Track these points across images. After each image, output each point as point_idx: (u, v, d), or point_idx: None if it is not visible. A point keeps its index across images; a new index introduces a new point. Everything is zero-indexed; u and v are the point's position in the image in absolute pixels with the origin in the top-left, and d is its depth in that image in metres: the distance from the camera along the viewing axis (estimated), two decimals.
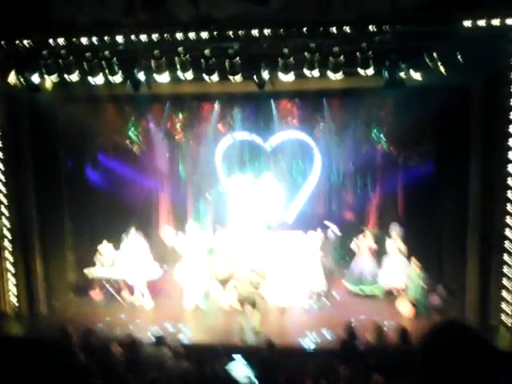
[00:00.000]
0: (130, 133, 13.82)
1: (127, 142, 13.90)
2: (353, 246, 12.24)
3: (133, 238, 12.10)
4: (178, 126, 13.88)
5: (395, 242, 11.75)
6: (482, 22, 8.59)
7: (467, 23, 8.46)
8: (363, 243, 12.17)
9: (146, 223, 14.14)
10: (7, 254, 11.12)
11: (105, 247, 12.31)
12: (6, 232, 11.07)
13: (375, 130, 13.08)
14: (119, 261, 11.97)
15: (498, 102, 9.41)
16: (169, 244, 12.23)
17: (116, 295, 12.06)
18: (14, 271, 11.17)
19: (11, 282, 11.19)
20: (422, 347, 1.89)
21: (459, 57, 8.39)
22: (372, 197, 14.28)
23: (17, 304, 11.25)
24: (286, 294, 11.10)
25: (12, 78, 9.46)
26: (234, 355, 8.15)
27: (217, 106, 13.37)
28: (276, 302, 11.19)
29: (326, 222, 12.01)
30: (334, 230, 11.84)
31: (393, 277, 11.53)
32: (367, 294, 11.85)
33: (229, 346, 9.37)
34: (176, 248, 11.76)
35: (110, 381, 6.96)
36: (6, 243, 11.10)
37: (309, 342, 9.81)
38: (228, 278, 11.13)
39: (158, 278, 12.20)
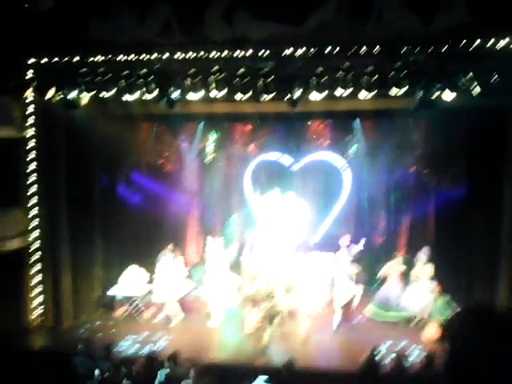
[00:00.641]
0: (163, 151, 14.00)
1: (160, 160, 14.06)
2: (383, 271, 12.06)
3: (169, 256, 12.22)
4: (209, 145, 14.01)
5: (424, 268, 11.55)
6: None
7: (503, 43, 8.42)
8: (394, 269, 11.98)
9: (175, 242, 14.20)
10: (37, 268, 11.29)
11: (131, 271, 12.41)
12: (36, 244, 11.26)
13: (407, 153, 12.96)
14: (156, 279, 12.04)
15: None
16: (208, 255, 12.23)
17: (139, 313, 12.10)
18: (42, 284, 11.35)
19: (40, 294, 11.36)
20: (446, 333, 1.84)
21: (495, 77, 8.32)
22: (403, 221, 14.12)
23: (43, 317, 11.41)
24: (312, 313, 10.95)
25: (50, 94, 9.72)
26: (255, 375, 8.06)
27: (249, 126, 13.51)
28: (302, 322, 11.08)
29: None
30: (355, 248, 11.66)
31: (419, 303, 11.26)
32: (391, 320, 11.59)
33: (250, 366, 9.31)
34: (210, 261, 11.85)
35: None
36: (37, 255, 11.28)
37: (331, 365, 9.66)
38: (256, 297, 11.05)
39: (186, 295, 12.23)
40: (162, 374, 7.58)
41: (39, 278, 11.35)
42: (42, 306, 11.43)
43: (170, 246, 12.52)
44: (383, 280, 12.13)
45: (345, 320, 11.23)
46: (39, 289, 11.37)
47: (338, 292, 11.19)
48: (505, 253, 10.01)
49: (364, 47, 8.61)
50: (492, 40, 8.34)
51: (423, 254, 11.76)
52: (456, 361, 1.79)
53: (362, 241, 11.68)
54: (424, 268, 11.57)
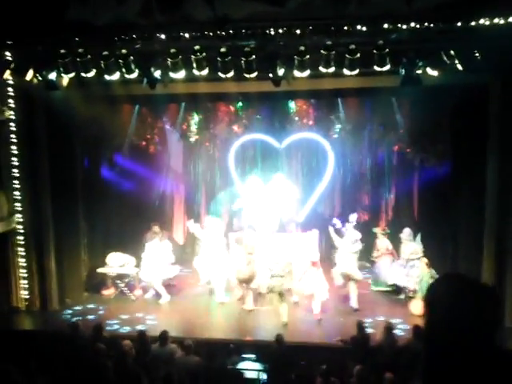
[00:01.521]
0: (146, 133, 13.88)
1: (143, 142, 13.95)
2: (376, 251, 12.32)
3: (157, 236, 12.24)
4: (193, 126, 13.92)
5: (409, 244, 11.68)
6: (499, 20, 8.51)
7: (485, 21, 8.39)
8: (378, 245, 12.17)
9: (161, 223, 14.19)
10: (21, 251, 11.24)
11: (113, 257, 12.41)
12: (20, 229, 11.19)
13: (391, 131, 12.98)
14: (143, 260, 12.07)
15: None
16: (195, 233, 12.24)
17: (128, 293, 12.15)
18: (27, 268, 11.31)
19: (25, 278, 11.32)
20: (424, 303, 1.84)
21: (477, 55, 8.31)
22: (387, 198, 14.25)
23: (29, 300, 11.39)
24: (303, 291, 11.01)
25: (30, 76, 9.57)
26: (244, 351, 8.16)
27: (232, 106, 13.43)
28: (296, 298, 11.16)
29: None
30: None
31: (406, 278, 11.47)
32: (383, 290, 12.03)
33: (239, 342, 9.41)
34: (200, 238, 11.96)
35: (122, 376, 6.96)
36: (21, 240, 11.22)
37: (320, 340, 9.76)
38: (250, 278, 11.10)
39: (173, 276, 12.29)
40: None
41: (23, 262, 11.29)
42: (27, 291, 11.39)
43: (156, 228, 12.50)
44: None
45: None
46: (24, 273, 11.32)
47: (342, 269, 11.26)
48: (489, 227, 10.12)
49: (346, 25, 8.52)
50: (474, 18, 8.28)
51: (406, 231, 11.85)
52: (432, 326, 1.80)
53: (353, 216, 11.75)
54: (409, 245, 11.69)
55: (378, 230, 12.61)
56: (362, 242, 11.50)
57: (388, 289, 12.07)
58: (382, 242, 12.27)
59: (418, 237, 11.71)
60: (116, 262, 12.30)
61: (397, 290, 11.81)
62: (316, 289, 10.71)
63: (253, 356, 8.75)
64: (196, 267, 12.09)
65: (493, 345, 1.72)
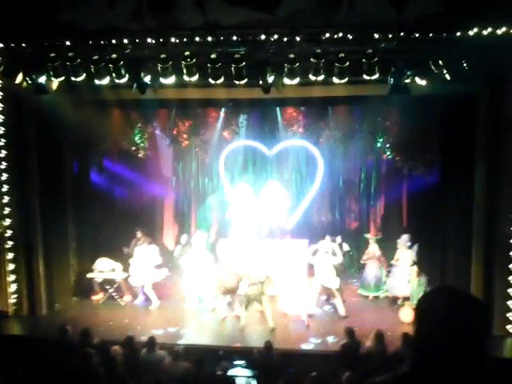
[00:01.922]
0: (135, 138, 13.86)
1: (133, 147, 13.94)
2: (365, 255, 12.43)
3: (142, 241, 12.20)
4: (183, 132, 13.92)
5: (405, 253, 11.78)
6: (487, 31, 8.61)
7: (473, 32, 8.48)
8: (373, 249, 12.33)
9: (150, 228, 14.18)
10: (10, 256, 11.17)
11: (101, 262, 12.36)
12: (8, 233, 11.13)
13: (380, 139, 13.06)
14: (131, 265, 12.05)
15: (504, 110, 9.43)
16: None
17: (117, 298, 12.11)
18: (15, 272, 11.23)
19: (13, 282, 11.24)
20: (415, 314, 1.87)
21: (464, 64, 8.39)
22: (377, 205, 14.34)
23: (17, 305, 11.31)
24: (291, 300, 11.03)
25: (19, 79, 9.53)
26: (233, 357, 8.14)
27: (222, 112, 13.45)
28: (282, 308, 11.16)
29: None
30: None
31: (398, 285, 11.56)
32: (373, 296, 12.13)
33: (228, 348, 9.40)
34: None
35: (111, 381, 6.94)
36: (9, 245, 11.15)
37: (311, 347, 9.77)
38: (235, 288, 11.08)
39: (162, 280, 12.26)
40: None
41: (12, 266, 11.21)
42: (16, 295, 11.32)
43: (139, 233, 12.46)
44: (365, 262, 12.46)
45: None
46: (12, 278, 11.24)
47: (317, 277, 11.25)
48: (477, 234, 10.19)
49: (336, 34, 8.58)
50: (463, 28, 8.38)
51: (404, 240, 11.94)
52: (421, 336, 1.83)
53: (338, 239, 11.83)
54: (405, 253, 11.80)
55: (369, 236, 12.70)
56: (351, 248, 11.55)
57: (374, 294, 12.18)
58: (372, 248, 12.35)
59: (415, 246, 11.83)
60: (104, 267, 12.28)
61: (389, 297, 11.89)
62: (305, 296, 10.74)
63: (242, 362, 8.74)
64: (183, 286, 12.02)
65: (481, 356, 1.75)
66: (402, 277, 11.62)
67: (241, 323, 10.46)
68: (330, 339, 9.90)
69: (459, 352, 1.73)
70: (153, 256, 12.04)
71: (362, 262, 12.62)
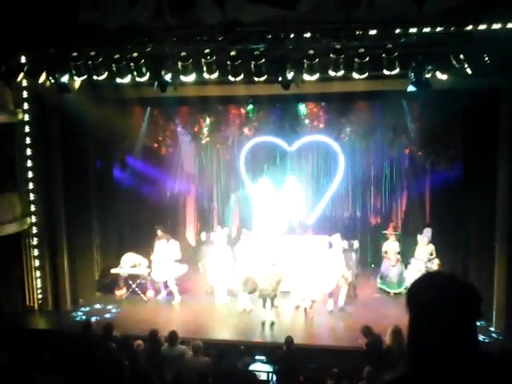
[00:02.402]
0: (158, 135, 13.99)
1: (155, 144, 14.06)
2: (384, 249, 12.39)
3: (162, 238, 12.32)
4: (205, 128, 14.00)
5: (426, 247, 11.74)
6: (509, 24, 8.49)
7: (495, 25, 8.37)
8: (390, 247, 12.23)
9: (173, 224, 14.33)
10: (35, 252, 11.39)
11: (128, 257, 12.51)
12: (34, 230, 11.35)
13: (402, 134, 12.97)
14: (153, 261, 12.18)
15: None
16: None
17: (140, 293, 12.25)
18: (41, 268, 11.47)
19: (38, 278, 11.49)
20: (406, 300, 1.89)
21: (486, 58, 8.29)
22: (399, 201, 14.25)
23: (43, 299, 11.56)
24: (310, 295, 11.03)
25: (43, 79, 9.69)
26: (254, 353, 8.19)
27: (242, 109, 13.50)
28: (300, 302, 11.18)
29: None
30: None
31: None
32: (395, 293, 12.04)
33: (249, 343, 9.47)
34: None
35: (133, 375, 7.04)
36: (35, 241, 11.38)
37: (331, 342, 9.78)
38: (253, 279, 11.15)
39: (183, 275, 12.37)
40: None
41: (37, 262, 11.45)
42: (41, 291, 11.56)
43: (159, 231, 12.60)
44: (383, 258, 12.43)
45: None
46: (38, 273, 11.48)
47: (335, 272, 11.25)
48: (500, 230, 10.10)
49: (355, 29, 8.54)
50: (484, 22, 8.27)
51: (425, 235, 11.90)
52: (414, 322, 1.83)
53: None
54: (426, 247, 11.79)
55: (388, 232, 12.64)
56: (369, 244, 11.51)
57: (394, 290, 12.11)
58: (391, 244, 12.27)
59: (425, 239, 11.75)
60: (129, 263, 12.41)
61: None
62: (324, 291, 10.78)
63: (263, 358, 8.80)
64: (208, 281, 12.15)
65: (474, 338, 1.77)
66: (420, 272, 11.56)
67: (262, 318, 10.52)
68: (352, 335, 9.87)
69: (448, 334, 1.73)
70: (173, 251, 12.15)
71: (383, 256, 12.52)
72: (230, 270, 11.69)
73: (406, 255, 12.43)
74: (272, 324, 10.43)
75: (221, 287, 11.82)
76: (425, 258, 11.74)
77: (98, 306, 11.89)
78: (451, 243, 11.99)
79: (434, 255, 11.75)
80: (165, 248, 12.12)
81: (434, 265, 11.40)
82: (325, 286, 11.14)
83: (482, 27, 8.30)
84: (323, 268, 11.06)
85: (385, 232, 12.78)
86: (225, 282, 11.79)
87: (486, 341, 9.39)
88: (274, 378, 8.08)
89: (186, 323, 10.60)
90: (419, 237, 12.06)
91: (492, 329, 10.03)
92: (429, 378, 1.76)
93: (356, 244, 12.21)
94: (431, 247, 11.83)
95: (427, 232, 12.02)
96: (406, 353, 1.84)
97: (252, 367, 8.19)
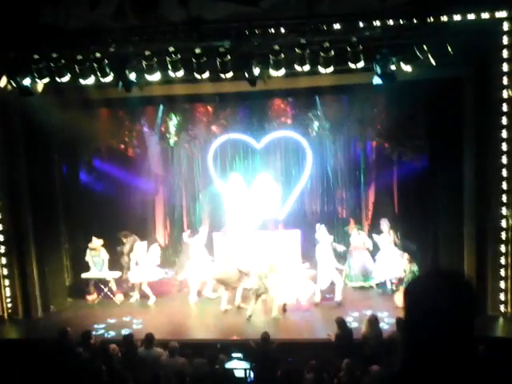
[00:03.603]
0: (124, 136, 13.81)
1: (121, 145, 13.88)
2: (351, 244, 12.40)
3: (129, 242, 12.20)
4: (171, 128, 13.88)
5: (388, 236, 11.89)
6: (471, 15, 8.66)
7: (457, 16, 8.52)
8: (357, 240, 12.29)
9: (142, 226, 14.19)
10: (2, 260, 11.13)
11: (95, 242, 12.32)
12: (1, 238, 11.08)
13: (368, 127, 13.09)
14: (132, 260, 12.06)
15: (490, 93, 9.48)
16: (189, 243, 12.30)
17: (112, 296, 12.11)
18: (9, 276, 11.19)
19: (6, 286, 11.21)
20: (403, 299, 1.88)
21: (449, 49, 8.41)
22: (367, 193, 14.40)
23: (12, 308, 11.29)
24: (288, 291, 11.06)
25: (3, 82, 9.47)
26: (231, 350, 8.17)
27: (209, 107, 13.43)
28: (280, 298, 11.19)
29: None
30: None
31: (388, 270, 11.63)
32: (364, 286, 12.09)
33: (226, 341, 9.43)
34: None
35: (110, 380, 6.96)
36: (1, 248, 11.11)
37: (308, 336, 9.82)
38: (234, 281, 11.12)
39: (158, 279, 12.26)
40: None
41: (5, 271, 11.17)
42: (10, 299, 11.29)
43: (124, 239, 12.55)
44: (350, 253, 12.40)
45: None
46: (6, 282, 11.20)
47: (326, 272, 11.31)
48: (468, 217, 10.28)
49: (320, 24, 8.59)
50: (446, 13, 8.41)
51: (384, 223, 12.06)
52: (410, 319, 1.83)
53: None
54: (388, 236, 11.93)
55: (349, 227, 12.68)
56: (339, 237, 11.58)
57: (364, 284, 12.15)
58: (357, 238, 12.35)
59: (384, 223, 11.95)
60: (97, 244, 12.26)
61: (380, 283, 11.95)
62: (302, 286, 10.80)
63: (239, 355, 8.78)
64: (185, 281, 12.08)
65: (471, 335, 1.76)
66: (386, 260, 11.71)
67: (247, 314, 10.53)
68: (329, 328, 9.93)
69: (448, 332, 1.73)
70: (153, 255, 12.06)
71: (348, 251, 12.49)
72: (207, 269, 11.65)
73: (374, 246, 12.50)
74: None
75: (195, 287, 11.76)
76: (386, 245, 11.82)
77: (69, 312, 11.64)
78: (421, 232, 12.16)
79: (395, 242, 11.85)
80: (144, 250, 12.00)
81: (403, 258, 11.45)
82: (320, 282, 11.14)
83: (444, 18, 8.43)
84: (299, 262, 11.11)
85: (347, 228, 12.81)
86: (199, 281, 11.73)
87: None
88: (252, 374, 8.07)
89: (162, 324, 10.49)
90: (381, 228, 12.15)
91: None
92: (426, 376, 1.75)
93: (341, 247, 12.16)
94: (389, 235, 11.94)
95: (384, 222, 12.11)
96: (401, 350, 1.83)
97: (229, 365, 8.19)
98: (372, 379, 6.65)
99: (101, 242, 12.32)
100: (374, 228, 12.91)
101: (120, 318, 10.97)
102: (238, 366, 8.32)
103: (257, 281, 10.59)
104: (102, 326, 10.61)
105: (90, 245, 12.28)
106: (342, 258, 12.30)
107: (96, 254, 12.26)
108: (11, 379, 7.21)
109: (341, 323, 8.60)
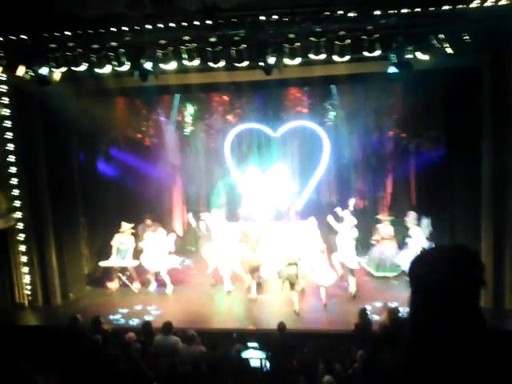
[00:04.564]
0: (140, 126, 13.88)
1: (138, 134, 13.96)
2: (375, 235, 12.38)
3: (150, 227, 12.30)
4: (187, 117, 13.91)
5: (412, 228, 11.79)
6: (488, 2, 8.48)
7: (474, 3, 8.36)
8: (385, 230, 12.28)
9: (159, 214, 14.28)
10: (22, 248, 11.30)
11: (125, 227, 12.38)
12: (20, 226, 11.24)
13: (385, 117, 12.97)
14: (145, 248, 12.12)
15: (508, 82, 9.33)
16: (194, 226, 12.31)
17: (130, 285, 12.23)
18: (29, 264, 11.38)
19: (26, 274, 11.41)
20: (408, 275, 1.87)
21: (466, 37, 8.29)
22: (384, 184, 14.29)
23: (32, 296, 11.49)
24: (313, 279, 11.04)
25: (22, 71, 9.55)
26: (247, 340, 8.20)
27: (225, 96, 13.42)
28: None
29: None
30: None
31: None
32: (387, 276, 12.08)
33: (242, 331, 9.48)
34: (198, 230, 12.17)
35: (127, 367, 7.04)
36: (21, 237, 11.27)
37: (323, 326, 9.82)
38: (257, 267, 11.16)
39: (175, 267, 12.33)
40: None
41: (25, 258, 11.36)
42: (30, 287, 11.48)
43: (148, 220, 12.56)
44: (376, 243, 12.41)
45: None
46: (26, 269, 11.40)
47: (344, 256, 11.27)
48: (485, 208, 10.17)
49: (335, 12, 8.49)
50: (462, 1, 8.25)
51: (411, 218, 11.93)
52: (414, 292, 1.83)
53: (352, 201, 11.74)
54: (415, 230, 11.78)
55: (382, 217, 12.63)
56: (358, 228, 11.46)
57: (392, 274, 12.11)
58: (385, 229, 12.30)
59: (425, 221, 11.77)
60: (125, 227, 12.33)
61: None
62: (323, 275, 10.78)
63: (256, 344, 8.82)
64: (205, 256, 12.11)
65: (476, 307, 1.76)
66: (413, 252, 11.61)
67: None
68: (346, 318, 9.92)
69: (451, 304, 1.72)
70: (168, 243, 12.11)
71: (372, 242, 12.51)
72: (233, 253, 11.66)
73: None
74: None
75: (227, 274, 11.73)
76: (419, 239, 11.72)
77: (88, 299, 11.80)
78: (438, 223, 12.06)
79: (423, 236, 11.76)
80: (156, 238, 12.05)
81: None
82: (331, 273, 11.09)
83: (460, 6, 8.28)
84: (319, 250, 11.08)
85: (380, 217, 12.71)
86: (229, 267, 11.73)
87: None
88: (268, 364, 8.10)
89: (179, 313, 10.56)
90: (406, 219, 12.02)
91: None
92: (432, 357, 1.73)
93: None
94: (420, 228, 11.83)
95: (413, 214, 12.01)
96: (406, 332, 1.82)
97: (244, 354, 8.22)
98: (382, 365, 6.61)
99: (130, 225, 12.37)
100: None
101: (138, 306, 11.10)
102: (254, 355, 8.35)
103: (286, 267, 10.53)
104: (122, 312, 10.77)
105: (120, 229, 12.34)
106: (362, 247, 12.29)
107: (124, 242, 12.30)
108: (32, 364, 7.32)
109: (362, 313, 8.58)
